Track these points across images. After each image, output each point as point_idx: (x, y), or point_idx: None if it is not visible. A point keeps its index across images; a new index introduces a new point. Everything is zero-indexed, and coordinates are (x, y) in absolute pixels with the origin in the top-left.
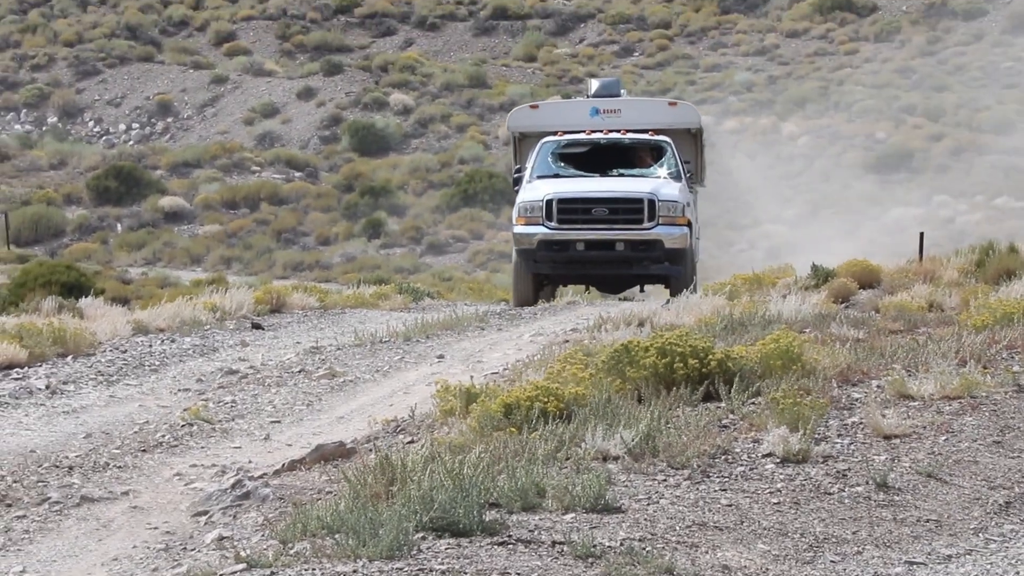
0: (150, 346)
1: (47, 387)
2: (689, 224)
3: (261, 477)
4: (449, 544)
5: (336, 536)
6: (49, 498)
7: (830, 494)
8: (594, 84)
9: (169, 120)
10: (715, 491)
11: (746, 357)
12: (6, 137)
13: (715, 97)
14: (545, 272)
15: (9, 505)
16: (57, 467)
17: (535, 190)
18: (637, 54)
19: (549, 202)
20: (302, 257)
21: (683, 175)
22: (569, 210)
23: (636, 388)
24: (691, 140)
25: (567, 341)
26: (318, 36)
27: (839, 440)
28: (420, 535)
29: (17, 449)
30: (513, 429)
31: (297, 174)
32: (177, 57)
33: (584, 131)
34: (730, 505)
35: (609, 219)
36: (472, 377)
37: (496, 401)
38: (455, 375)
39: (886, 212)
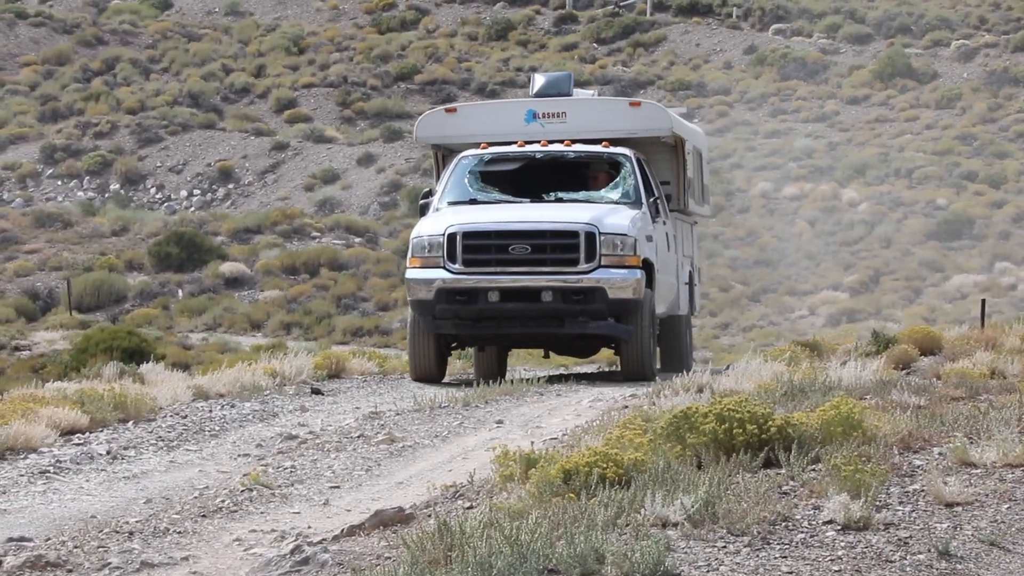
0: (210, 411)
1: (108, 452)
2: (647, 266)
3: (320, 542)
4: None
5: None
6: (109, 563)
7: (891, 562)
8: (538, 80)
9: (230, 186)
10: (775, 558)
11: (806, 423)
12: (69, 204)
13: (775, 163)
14: (448, 332)
15: (70, 571)
16: (117, 532)
17: (436, 221)
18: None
19: (451, 236)
20: (361, 323)
21: (644, 200)
22: (478, 247)
23: (695, 454)
24: (670, 153)
25: (626, 407)
26: (378, 103)
27: (900, 507)
28: None
29: (78, 514)
30: (572, 495)
31: (357, 240)
32: (238, 124)
33: (516, 142)
34: (790, 572)
35: (533, 259)
36: (531, 442)
37: (555, 467)
38: (514, 440)
39: (947, 279)
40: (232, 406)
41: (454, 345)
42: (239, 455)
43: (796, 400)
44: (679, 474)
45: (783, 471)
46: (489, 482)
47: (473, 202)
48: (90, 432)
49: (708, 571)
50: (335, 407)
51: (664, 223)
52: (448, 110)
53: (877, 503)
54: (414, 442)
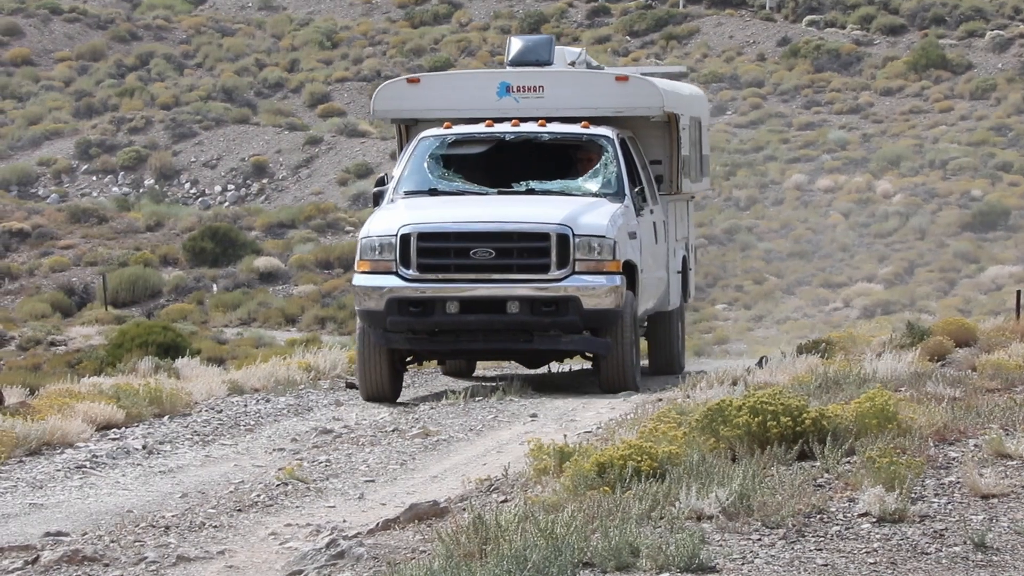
0: (245, 406)
1: (144, 447)
2: (629, 269)
3: (355, 536)
4: None
5: None
6: (146, 558)
7: (927, 554)
8: (514, 44)
9: (264, 181)
10: (810, 551)
11: (841, 416)
12: (104, 199)
13: (809, 155)
14: (401, 346)
15: (107, 565)
16: (154, 527)
17: (389, 217)
18: (730, 112)
19: (405, 238)
20: None
21: (627, 190)
22: (435, 251)
23: (730, 447)
24: (662, 129)
25: (660, 400)
26: None
27: (936, 499)
28: None
29: (114, 509)
30: (606, 488)
31: None
32: (272, 119)
33: (486, 121)
34: (826, 565)
35: (497, 265)
36: (565, 436)
37: (589, 460)
38: (548, 434)
39: (982, 270)
40: (267, 401)
41: (409, 359)
42: (274, 449)
43: (831, 392)
44: (713, 467)
45: (818, 463)
46: (524, 475)
47: (432, 192)
48: (126, 427)
49: (743, 564)
50: (369, 401)
51: (652, 211)
52: (410, 80)
53: (912, 495)
54: (448, 436)
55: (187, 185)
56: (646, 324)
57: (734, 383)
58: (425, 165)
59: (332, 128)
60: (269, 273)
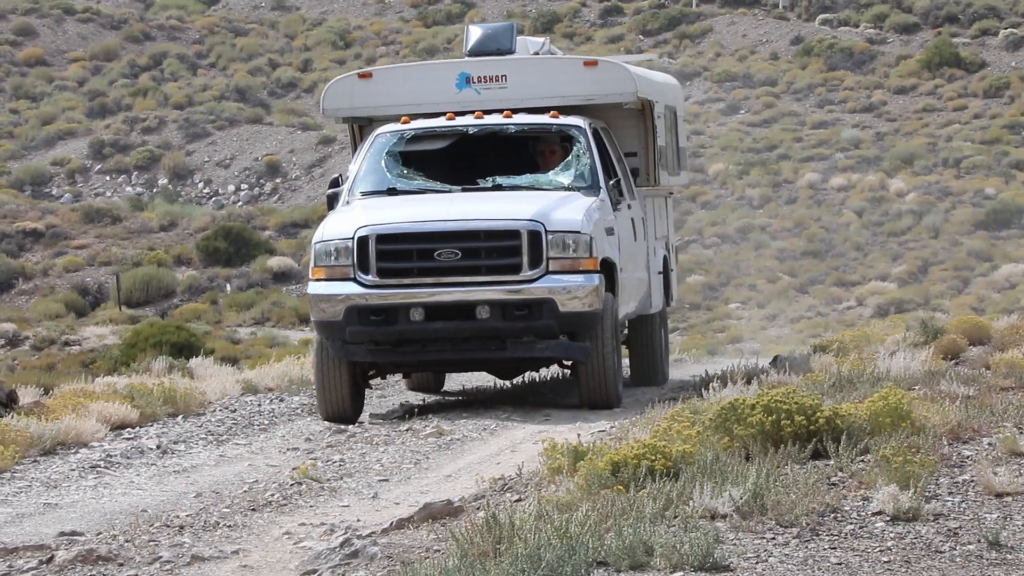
0: (259, 405)
1: (158, 447)
2: (608, 268)
3: (369, 536)
4: None
5: None
6: (160, 557)
7: (941, 552)
8: (473, 33)
9: (277, 181)
10: (824, 549)
11: (854, 414)
12: (117, 199)
13: (822, 154)
14: (362, 359)
15: (121, 564)
16: (168, 526)
17: (344, 220)
18: (743, 111)
19: (363, 241)
20: None
21: (603, 182)
22: (396, 253)
23: (743, 446)
24: (636, 118)
25: (674, 399)
26: None
27: (950, 498)
28: None
29: (129, 508)
30: (620, 487)
31: None
32: (285, 118)
33: (446, 114)
34: (840, 564)
35: (464, 267)
36: (579, 435)
37: (603, 459)
38: (562, 433)
39: (996, 268)
40: (281, 400)
41: (371, 373)
42: (288, 449)
43: (844, 391)
44: (727, 466)
45: (832, 462)
46: (537, 475)
47: (391, 192)
48: (140, 427)
49: (757, 563)
50: (383, 401)
51: (629, 206)
52: (362, 75)
53: (926, 494)
54: (462, 435)
55: (200, 185)
56: (627, 330)
57: (748, 382)
58: (382, 163)
59: (345, 128)
60: (283, 272)
